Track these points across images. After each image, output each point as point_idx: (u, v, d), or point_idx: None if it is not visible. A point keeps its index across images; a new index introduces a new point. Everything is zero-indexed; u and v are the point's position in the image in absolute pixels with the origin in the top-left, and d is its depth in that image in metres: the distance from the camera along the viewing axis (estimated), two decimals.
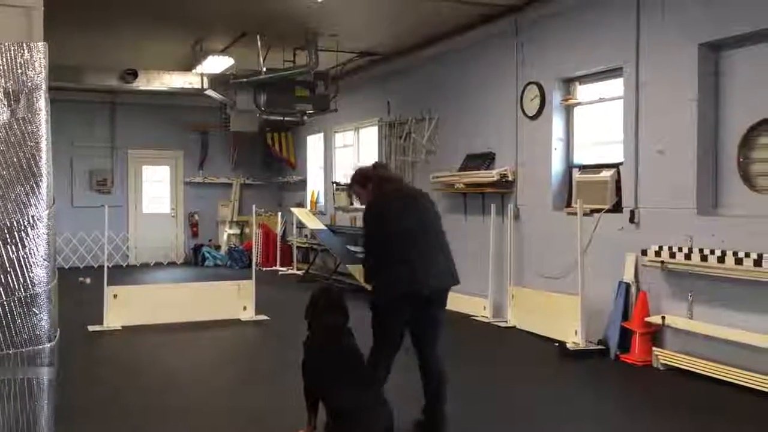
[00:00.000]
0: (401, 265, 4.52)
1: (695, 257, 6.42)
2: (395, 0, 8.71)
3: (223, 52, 11.28)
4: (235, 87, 11.59)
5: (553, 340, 7.65)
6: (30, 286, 2.99)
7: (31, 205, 3.00)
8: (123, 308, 8.59)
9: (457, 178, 9.77)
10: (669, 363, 6.59)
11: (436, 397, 4.65)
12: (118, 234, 15.35)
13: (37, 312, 3.02)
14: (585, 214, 7.56)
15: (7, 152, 2.98)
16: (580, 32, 8.00)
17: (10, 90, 2.99)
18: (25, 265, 2.99)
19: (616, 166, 7.63)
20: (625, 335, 7.05)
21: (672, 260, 6.66)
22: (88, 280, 12.26)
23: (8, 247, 2.97)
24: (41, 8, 3.54)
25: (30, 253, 2.99)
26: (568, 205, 8.28)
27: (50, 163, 3.07)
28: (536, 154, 8.68)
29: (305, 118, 12.60)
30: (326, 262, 13.88)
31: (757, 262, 5.85)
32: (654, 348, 6.78)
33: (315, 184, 15.57)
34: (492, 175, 9.07)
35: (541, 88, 8.58)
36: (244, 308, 9.21)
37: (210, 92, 11.74)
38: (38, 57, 3.04)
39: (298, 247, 15.12)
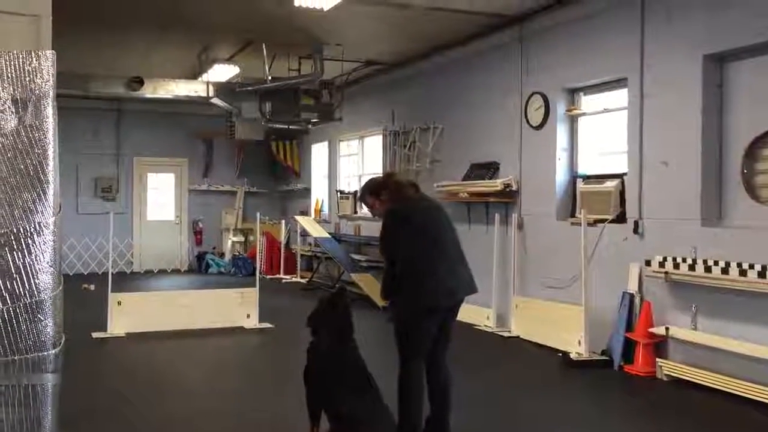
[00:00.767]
0: (430, 276, 4.45)
1: (699, 268, 6.41)
2: (400, 10, 8.73)
3: (229, 60, 11.34)
4: (240, 95, 11.63)
5: (557, 351, 7.63)
6: (36, 293, 3.01)
7: (37, 212, 3.01)
8: (127, 315, 8.60)
9: (461, 187, 9.78)
10: (673, 374, 6.57)
11: (443, 404, 4.63)
12: (123, 241, 15.39)
13: (42, 318, 3.03)
14: (589, 225, 7.56)
15: (14, 159, 2.99)
16: (584, 42, 8.01)
17: (18, 97, 3.01)
18: (31, 271, 3.00)
19: (620, 176, 7.63)
20: (629, 346, 7.04)
21: (676, 271, 6.65)
22: (92, 287, 12.27)
23: (14, 253, 2.98)
24: (50, 17, 3.56)
25: (36, 260, 3.01)
26: (572, 215, 8.27)
27: (57, 170, 3.09)
28: (540, 164, 8.69)
29: (310, 126, 12.64)
30: (330, 270, 13.87)
31: (762, 274, 5.84)
32: (658, 359, 6.76)
33: (319, 193, 15.59)
34: (496, 184, 9.07)
35: (545, 98, 8.59)
36: (248, 316, 9.21)
37: (215, 100, 11.78)
38: (46, 65, 3.06)
39: (302, 255, 15.13)
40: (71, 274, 14.42)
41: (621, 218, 7.49)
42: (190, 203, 16.80)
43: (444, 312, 4.56)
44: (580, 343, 7.34)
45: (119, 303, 8.64)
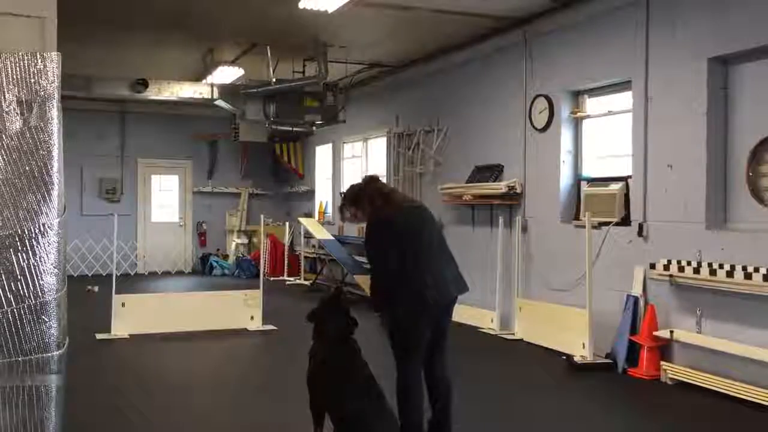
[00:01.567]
0: (421, 278, 4.43)
1: (704, 271, 6.40)
2: (405, 12, 8.74)
3: (234, 62, 11.35)
4: (244, 97, 11.64)
5: (561, 353, 7.61)
6: (40, 294, 3.01)
7: (42, 213, 3.02)
8: (131, 317, 8.60)
9: (465, 189, 9.77)
10: (677, 377, 6.55)
11: (444, 406, 4.62)
12: (127, 242, 15.40)
13: (46, 320, 3.03)
14: (593, 227, 7.54)
15: (19, 160, 3.00)
16: (588, 45, 8.01)
17: (24, 99, 3.01)
18: (36, 272, 3.00)
19: (624, 179, 7.62)
20: (633, 349, 7.02)
21: (681, 274, 6.63)
22: (96, 289, 12.29)
23: (19, 254, 2.99)
24: (55, 19, 3.57)
25: (40, 261, 3.01)
26: (577, 217, 8.26)
27: (62, 172, 3.09)
28: (544, 167, 8.67)
29: (314, 128, 12.63)
30: (334, 272, 13.87)
31: (766, 277, 5.83)
32: (662, 362, 6.74)
33: (323, 195, 15.60)
34: (500, 187, 9.07)
35: (549, 100, 8.58)
36: (252, 318, 9.21)
37: (220, 102, 11.80)
38: (51, 67, 3.07)
39: (305, 257, 15.13)
40: (75, 275, 14.43)
41: (625, 221, 7.47)
42: (194, 205, 16.83)
43: (437, 313, 4.55)
44: (584, 346, 7.32)
45: (123, 305, 8.64)
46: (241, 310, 9.24)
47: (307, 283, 14.07)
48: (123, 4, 8.64)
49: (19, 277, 2.98)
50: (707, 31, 6.57)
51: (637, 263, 7.20)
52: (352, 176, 14.23)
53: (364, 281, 10.78)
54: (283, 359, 7.74)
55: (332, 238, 12.77)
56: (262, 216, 11.10)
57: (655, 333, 6.80)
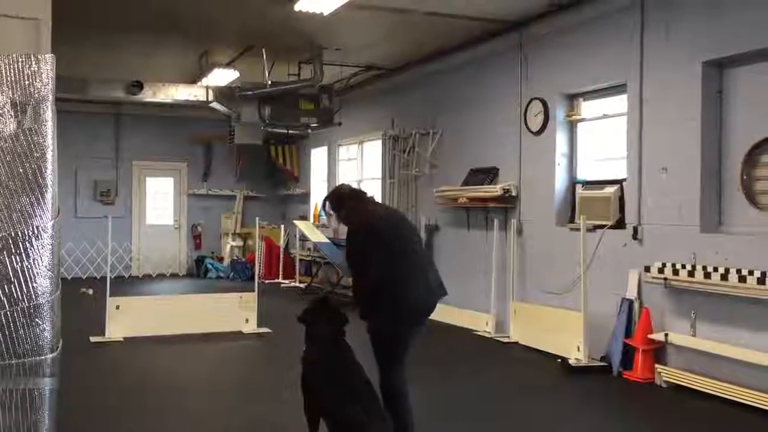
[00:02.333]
0: (404, 286, 4.45)
1: (698, 274, 6.41)
2: (400, 15, 8.75)
3: (229, 65, 11.34)
4: (240, 100, 11.63)
5: (556, 356, 7.62)
6: (33, 297, 3.00)
7: (36, 216, 3.00)
8: (125, 319, 8.58)
9: (460, 192, 9.78)
10: (672, 380, 6.56)
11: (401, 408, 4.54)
12: (121, 245, 15.36)
13: (40, 322, 3.02)
14: (588, 230, 7.55)
15: (13, 163, 2.99)
16: (584, 48, 8.02)
17: (18, 101, 3.00)
18: (29, 275, 2.99)
19: (619, 182, 7.63)
20: (628, 352, 7.03)
21: (675, 277, 6.64)
22: (90, 291, 12.25)
23: (13, 257, 2.97)
24: (49, 20, 3.57)
25: (34, 264, 3.00)
26: (571, 220, 8.27)
27: (56, 174, 3.08)
28: (540, 170, 8.69)
29: (309, 131, 12.63)
30: (329, 275, 13.86)
31: (761, 280, 5.84)
32: (657, 365, 6.75)
33: (318, 197, 15.58)
34: (495, 189, 9.08)
35: (544, 103, 8.60)
36: (247, 320, 9.20)
37: (215, 105, 11.78)
38: (45, 69, 3.06)
39: (300, 259, 15.12)
40: (69, 278, 14.40)
41: (620, 224, 7.48)
42: (189, 207, 16.79)
43: (420, 318, 4.56)
44: (579, 348, 7.32)
45: (117, 307, 8.61)
46: (236, 312, 9.22)
47: (302, 285, 14.06)
48: (118, 6, 8.63)
49: (12, 279, 2.97)
50: (702, 34, 6.59)
51: (632, 266, 7.21)
52: (347, 179, 14.24)
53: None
54: (278, 362, 7.73)
55: (327, 240, 12.74)
56: (257, 218, 11.08)
57: (650, 336, 6.82)
